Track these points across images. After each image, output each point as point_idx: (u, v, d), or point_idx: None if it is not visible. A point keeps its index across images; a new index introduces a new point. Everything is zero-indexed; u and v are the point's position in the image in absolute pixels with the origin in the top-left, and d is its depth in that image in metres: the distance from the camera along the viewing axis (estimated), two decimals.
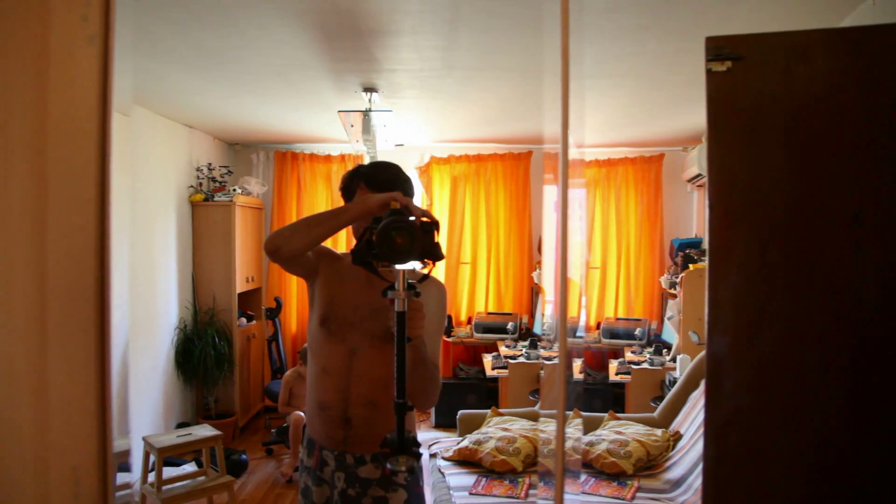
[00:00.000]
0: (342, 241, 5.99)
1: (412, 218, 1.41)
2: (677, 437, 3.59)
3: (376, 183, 1.78)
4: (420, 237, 1.38)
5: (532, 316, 5.98)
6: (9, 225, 0.78)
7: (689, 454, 3.27)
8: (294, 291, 6.28)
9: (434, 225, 1.44)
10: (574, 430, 3.68)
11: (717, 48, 1.11)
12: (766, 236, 1.05)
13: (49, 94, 0.76)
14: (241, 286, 5.59)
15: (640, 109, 4.50)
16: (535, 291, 6.04)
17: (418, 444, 1.45)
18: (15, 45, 0.76)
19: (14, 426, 0.80)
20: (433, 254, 1.42)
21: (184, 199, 5.31)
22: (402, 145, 5.86)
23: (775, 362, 1.07)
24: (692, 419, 3.57)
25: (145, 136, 4.65)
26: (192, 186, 5.43)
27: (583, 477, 3.41)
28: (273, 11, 2.67)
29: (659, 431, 3.65)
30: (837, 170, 1.05)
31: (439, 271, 5.97)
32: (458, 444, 3.71)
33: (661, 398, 4.47)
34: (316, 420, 1.82)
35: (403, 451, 1.39)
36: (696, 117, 4.64)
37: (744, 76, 1.10)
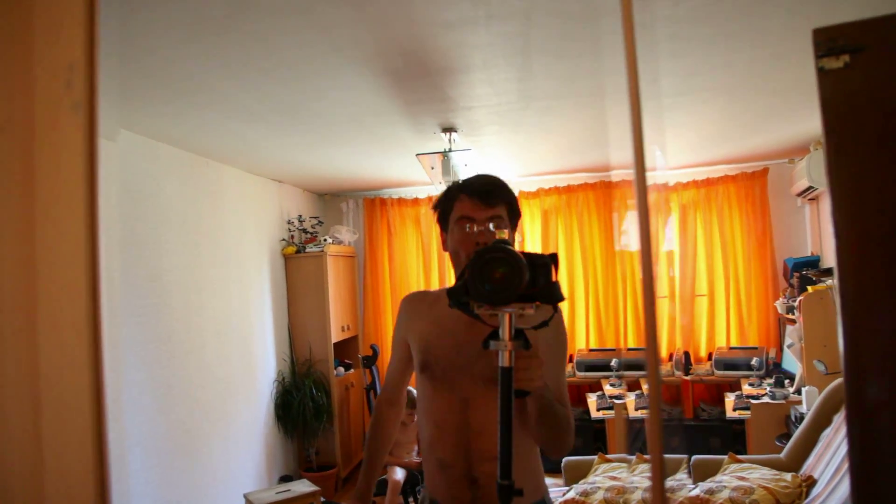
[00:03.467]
0: (433, 271, 5.91)
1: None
2: (810, 482, 3.20)
3: (476, 190, 1.57)
4: (525, 271, 1.13)
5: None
6: (1, 319, 0.71)
7: (829, 503, 2.89)
8: (390, 338, 6.23)
9: (550, 258, 1.20)
10: (641, 477, 3.34)
11: (830, 41, 0.91)
12: None
13: (35, 170, 0.68)
14: (336, 335, 5.60)
15: (737, 123, 4.19)
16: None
17: None
18: (1, 120, 0.69)
19: None
20: (549, 294, 1.18)
21: (276, 252, 5.40)
22: None
23: None
24: (827, 461, 3.18)
25: (235, 193, 4.78)
26: (283, 239, 5.53)
27: None
28: (339, 60, 2.64)
29: (788, 476, 3.27)
30: None
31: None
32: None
33: (786, 436, 4.05)
34: (438, 479, 1.61)
35: None
36: (800, 125, 4.27)
37: (867, 71, 0.89)
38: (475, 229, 1.54)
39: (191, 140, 3.87)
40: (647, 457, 3.77)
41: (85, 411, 0.68)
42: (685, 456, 3.80)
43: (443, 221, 1.66)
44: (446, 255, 5.29)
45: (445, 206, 1.64)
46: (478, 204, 1.55)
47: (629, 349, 5.66)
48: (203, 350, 4.19)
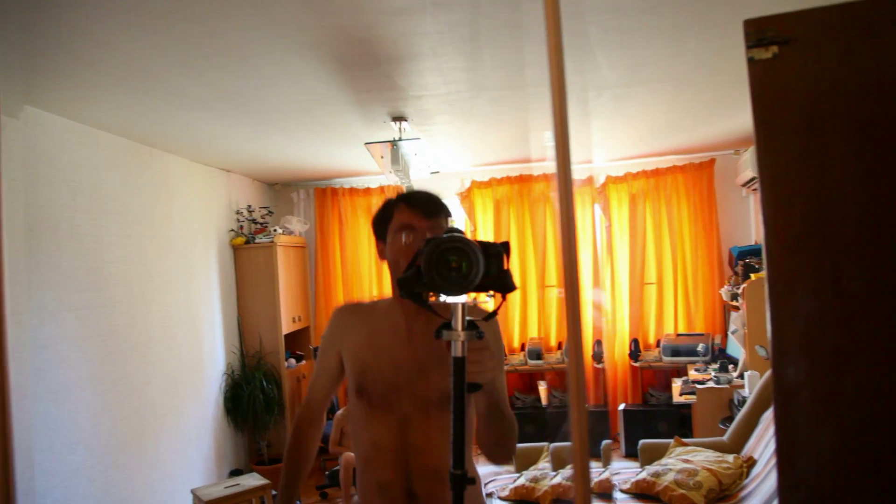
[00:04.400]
0: (373, 273, 5.89)
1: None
2: (751, 462, 3.30)
3: (416, 201, 1.53)
4: (479, 261, 1.11)
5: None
6: None
7: (766, 482, 2.98)
8: None
9: (503, 247, 1.17)
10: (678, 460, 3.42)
11: (759, 31, 0.93)
12: (838, 258, 0.84)
13: None
14: (287, 327, 5.53)
15: (685, 115, 4.27)
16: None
17: None
18: None
19: None
20: (502, 283, 1.16)
21: (225, 243, 5.30)
22: (437, 172, 5.73)
23: (865, 424, 0.86)
24: (766, 442, 3.28)
25: (181, 183, 4.66)
26: (232, 230, 5.42)
27: None
28: (286, 48, 2.58)
29: (730, 457, 3.37)
30: None
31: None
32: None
33: (730, 419, 4.17)
34: (375, 499, 1.54)
35: None
36: (745, 117, 4.37)
37: (794, 62, 0.91)
38: (414, 239, 1.50)
39: (134, 128, 3.75)
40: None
41: None
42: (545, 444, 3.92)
43: (380, 231, 1.60)
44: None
45: (384, 215, 1.59)
46: (419, 214, 1.52)
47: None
48: (148, 344, 4.08)
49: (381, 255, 1.62)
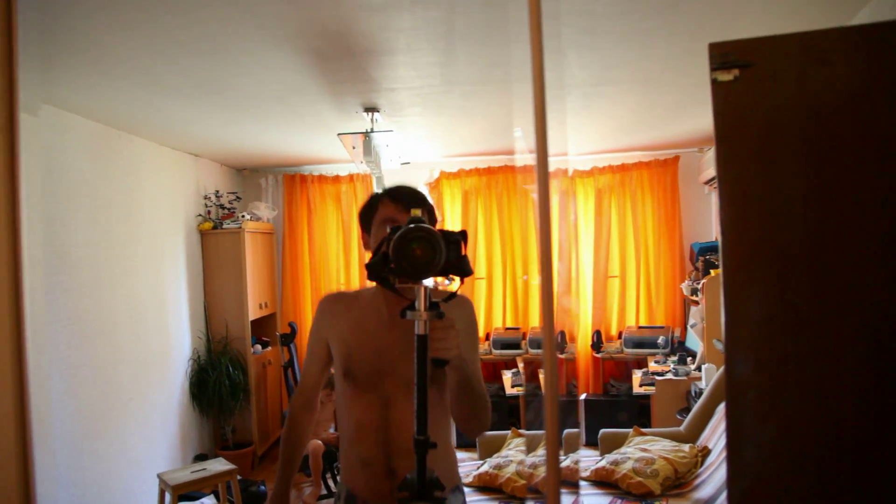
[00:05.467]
0: (353, 261, 5.92)
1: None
2: (705, 452, 3.44)
3: (399, 196, 1.64)
4: (443, 248, 1.21)
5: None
6: None
7: (719, 472, 3.12)
8: (309, 316, 6.20)
9: (461, 235, 1.27)
10: (636, 448, 3.54)
11: (723, 55, 1.00)
12: (786, 263, 0.93)
13: None
14: (254, 313, 5.53)
15: (652, 113, 4.38)
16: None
17: (442, 488, 1.26)
18: None
19: None
20: (460, 268, 1.26)
21: (192, 228, 5.26)
22: (408, 163, 5.77)
23: (804, 420, 0.95)
24: (720, 433, 3.42)
25: (149, 167, 4.61)
26: (200, 215, 5.39)
27: (608, 499, 3.28)
28: (262, 37, 2.60)
29: (686, 447, 3.51)
30: (866, 184, 0.93)
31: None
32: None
33: (687, 410, 4.32)
34: (358, 475, 1.65)
35: (422, 497, 1.22)
36: (709, 118, 4.48)
37: (754, 85, 0.98)
38: None
39: (102, 111, 3.71)
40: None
41: (7, 404, 0.69)
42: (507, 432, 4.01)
43: (365, 224, 1.71)
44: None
45: (369, 209, 1.70)
46: (400, 207, 1.62)
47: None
48: (115, 329, 4.06)
49: (366, 245, 1.72)
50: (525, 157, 5.57)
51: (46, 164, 3.46)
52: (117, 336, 4.09)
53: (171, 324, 4.83)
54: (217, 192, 5.62)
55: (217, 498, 4.26)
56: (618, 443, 3.82)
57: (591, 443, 4.92)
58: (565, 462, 3.56)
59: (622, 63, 3.13)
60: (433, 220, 1.69)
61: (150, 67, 2.93)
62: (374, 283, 1.73)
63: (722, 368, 3.88)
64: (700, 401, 3.86)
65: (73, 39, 2.55)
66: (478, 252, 6.01)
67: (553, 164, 0.93)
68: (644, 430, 3.88)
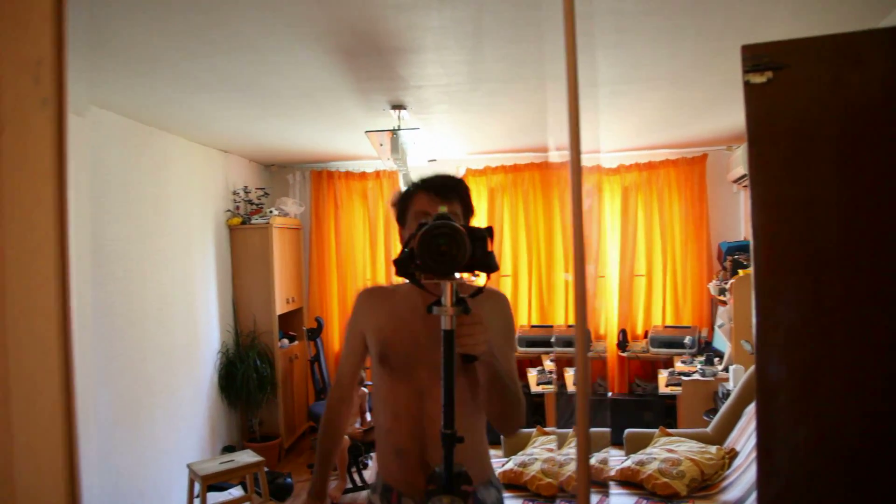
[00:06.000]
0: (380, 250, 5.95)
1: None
2: (733, 454, 3.41)
3: (434, 187, 1.62)
4: (468, 245, 1.22)
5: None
6: None
7: (747, 474, 3.09)
8: (335, 311, 6.25)
9: (487, 231, 1.28)
10: (662, 449, 3.52)
11: (756, 57, 0.99)
12: (819, 267, 0.92)
13: (3, 164, 0.70)
14: (281, 308, 5.59)
15: (680, 111, 4.34)
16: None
17: (469, 482, 1.28)
18: None
19: None
20: (485, 264, 1.27)
21: (221, 223, 5.34)
22: (434, 160, 5.79)
23: (837, 424, 0.94)
24: (748, 435, 3.39)
25: (180, 163, 4.69)
26: (229, 210, 5.46)
27: (634, 499, 3.27)
28: (291, 36, 2.63)
29: (713, 448, 3.48)
30: None
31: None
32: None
33: (714, 411, 4.28)
34: (393, 466, 1.67)
35: (449, 490, 1.24)
36: (738, 115, 4.41)
37: (787, 87, 0.97)
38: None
39: (135, 108, 3.78)
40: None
41: (55, 391, 0.71)
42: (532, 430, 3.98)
43: (401, 218, 1.69)
44: (394, 230, 5.33)
45: (403, 202, 1.68)
46: (434, 199, 1.59)
47: (569, 326, 5.80)
48: (145, 321, 4.14)
49: (402, 239, 1.70)
50: (558, 154, 5.54)
51: (80, 159, 3.53)
52: (148, 329, 4.17)
53: (200, 317, 4.91)
54: (246, 187, 5.69)
55: (244, 489, 4.33)
56: (643, 443, 3.80)
57: (617, 442, 4.89)
58: (592, 461, 3.55)
59: (650, 61, 3.11)
60: (469, 211, 1.67)
61: (182, 66, 2.98)
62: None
63: (751, 369, 3.84)
64: (728, 402, 3.82)
65: (112, 41, 2.60)
66: (503, 249, 6.01)
67: (587, 161, 0.93)
68: (670, 430, 3.86)
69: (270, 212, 5.55)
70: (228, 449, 5.05)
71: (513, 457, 3.69)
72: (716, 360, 4.93)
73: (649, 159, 5.81)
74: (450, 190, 1.63)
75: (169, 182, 4.52)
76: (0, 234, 0.74)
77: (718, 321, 4.98)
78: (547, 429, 3.96)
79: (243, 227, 5.46)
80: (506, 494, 3.36)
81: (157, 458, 4.18)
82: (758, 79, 0.98)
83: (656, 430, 3.88)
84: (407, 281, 1.75)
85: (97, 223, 3.66)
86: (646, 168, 5.82)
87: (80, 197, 2.99)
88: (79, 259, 2.99)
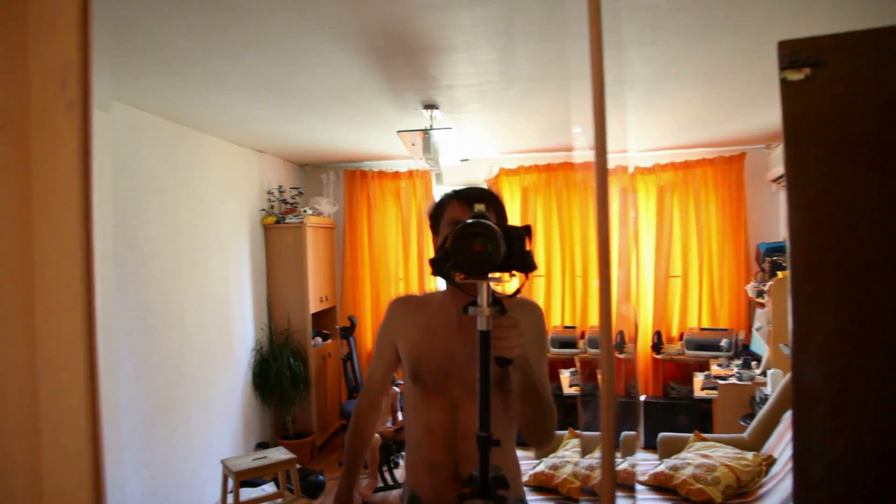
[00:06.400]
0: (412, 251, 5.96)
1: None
2: (770, 461, 3.32)
3: (467, 196, 1.61)
4: (500, 245, 1.18)
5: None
6: (1, 307, 0.74)
7: (785, 482, 3.01)
8: (368, 310, 6.28)
9: (524, 230, 1.25)
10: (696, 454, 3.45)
11: (793, 53, 0.96)
12: (859, 273, 0.88)
13: (32, 167, 0.71)
14: (314, 306, 5.64)
15: (716, 108, 4.25)
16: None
17: (506, 486, 1.24)
18: None
19: None
20: (523, 264, 1.24)
21: (256, 222, 5.40)
22: (467, 160, 5.77)
23: (877, 437, 0.90)
24: (787, 442, 3.30)
25: (216, 163, 4.76)
26: (263, 210, 5.53)
27: None
28: (323, 36, 2.64)
29: (750, 455, 3.40)
30: None
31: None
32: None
33: (751, 416, 4.18)
34: (424, 479, 1.65)
35: (484, 494, 1.21)
36: (777, 114, 4.32)
37: (826, 84, 0.94)
38: None
39: (172, 109, 3.85)
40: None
41: (80, 390, 0.72)
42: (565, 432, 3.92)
43: (435, 226, 1.69)
44: (427, 229, 5.32)
45: (438, 211, 1.68)
46: (468, 207, 1.57)
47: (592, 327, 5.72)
48: (182, 319, 4.21)
49: (437, 248, 1.69)
50: (584, 154, 5.49)
51: (121, 161, 3.61)
52: (185, 326, 4.23)
53: (235, 315, 4.98)
54: (280, 187, 5.75)
55: (277, 485, 4.38)
56: (677, 447, 3.73)
57: (650, 446, 4.82)
58: (622, 465, 3.50)
59: (685, 58, 3.05)
60: (502, 219, 1.65)
61: (216, 67, 3.02)
62: (440, 285, 1.74)
63: (790, 374, 3.74)
64: (765, 407, 3.73)
65: (145, 42, 2.64)
66: (536, 250, 5.96)
67: (613, 161, 0.91)
68: (705, 435, 3.78)
69: (304, 211, 5.60)
70: (262, 445, 5.11)
71: (544, 459, 3.65)
72: (753, 363, 4.82)
73: (685, 158, 5.71)
74: (483, 200, 1.61)
75: (205, 182, 4.59)
76: (30, 235, 0.75)
77: (756, 324, 4.87)
78: (578, 431, 3.92)
79: (278, 227, 5.52)
80: (537, 497, 3.34)
81: (192, 453, 4.24)
82: (795, 76, 0.94)
83: (691, 435, 3.80)
84: (440, 289, 1.76)
85: (135, 223, 3.73)
86: (682, 167, 5.72)
87: (104, 193, 3.06)
88: (103, 258, 3.06)
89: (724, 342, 5.23)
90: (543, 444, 1.66)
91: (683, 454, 3.58)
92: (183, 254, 4.25)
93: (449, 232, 1.24)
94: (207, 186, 4.62)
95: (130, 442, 3.61)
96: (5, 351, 0.77)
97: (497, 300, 1.24)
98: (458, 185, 1.71)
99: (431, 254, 1.36)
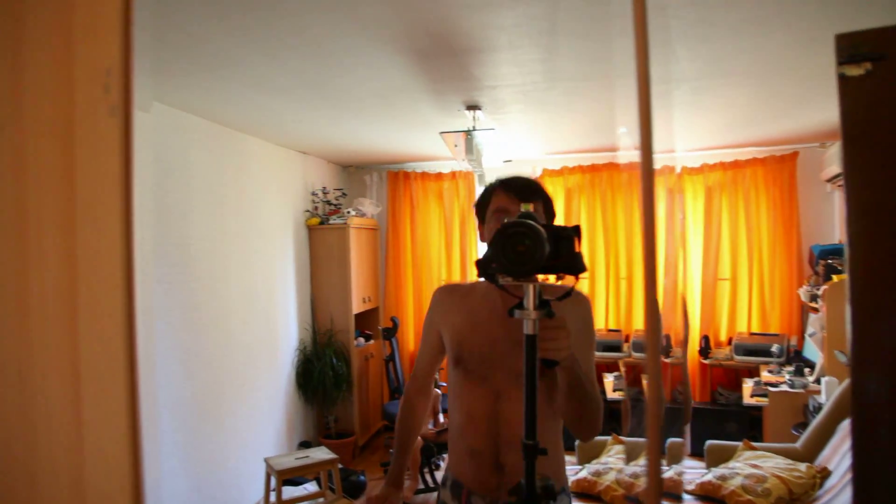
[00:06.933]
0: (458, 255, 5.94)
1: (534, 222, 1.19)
2: (825, 473, 3.20)
3: (513, 186, 1.62)
4: (544, 245, 1.15)
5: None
6: (45, 309, 0.75)
7: (842, 497, 2.89)
8: (410, 311, 6.29)
9: (573, 230, 1.23)
10: (745, 464, 3.35)
11: (852, 47, 0.90)
12: None
13: (75, 172, 0.72)
14: (357, 307, 5.67)
15: (767, 106, 4.11)
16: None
17: (554, 496, 1.23)
18: (43, 123, 0.73)
19: None
20: (571, 265, 1.22)
21: (300, 223, 5.46)
22: (510, 161, 5.73)
23: None
24: (843, 454, 3.17)
25: (261, 164, 4.82)
26: (307, 211, 5.58)
27: None
28: (366, 38, 2.64)
29: (803, 466, 3.27)
30: None
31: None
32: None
33: (804, 425, 4.04)
34: (466, 465, 1.67)
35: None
36: (832, 110, 4.15)
37: (888, 80, 0.88)
38: None
39: (218, 112, 3.91)
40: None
41: (121, 394, 0.72)
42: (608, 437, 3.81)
43: (481, 214, 1.70)
44: (469, 231, 5.31)
45: (484, 199, 1.69)
46: (513, 198, 1.60)
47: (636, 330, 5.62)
48: (228, 318, 4.27)
49: (482, 237, 1.71)
50: (630, 154, 5.39)
51: (168, 162, 3.68)
52: (230, 325, 4.30)
53: (279, 315, 5.04)
54: (324, 188, 5.80)
55: (319, 484, 4.41)
56: (725, 456, 3.62)
57: (697, 453, 4.70)
58: (668, 473, 3.42)
59: (735, 54, 2.96)
60: (550, 213, 1.66)
61: (261, 69, 3.05)
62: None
63: (846, 382, 3.60)
64: (819, 416, 3.60)
65: (191, 45, 2.69)
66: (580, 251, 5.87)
67: (659, 161, 0.87)
68: (755, 444, 3.67)
69: (348, 212, 5.63)
70: (304, 444, 5.16)
71: (587, 465, 3.59)
72: (806, 370, 4.66)
73: (734, 158, 5.55)
74: (530, 190, 1.62)
75: (250, 183, 4.66)
76: (73, 239, 0.76)
77: (810, 329, 4.71)
78: (623, 437, 3.84)
79: (321, 227, 5.57)
80: None
81: (236, 451, 4.31)
82: (854, 71, 0.89)
83: (740, 443, 3.69)
84: (481, 280, 1.75)
85: (182, 223, 3.80)
86: (731, 167, 5.56)
87: (143, 197, 3.13)
88: (144, 260, 3.13)
89: (774, 347, 5.07)
90: (589, 438, 1.64)
91: (732, 463, 3.48)
92: (228, 254, 4.32)
93: (494, 231, 1.22)
94: (253, 188, 4.69)
95: (177, 439, 3.68)
96: (49, 355, 0.78)
97: (544, 302, 1.22)
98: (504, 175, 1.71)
99: (474, 255, 1.35)
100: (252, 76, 3.16)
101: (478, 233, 1.74)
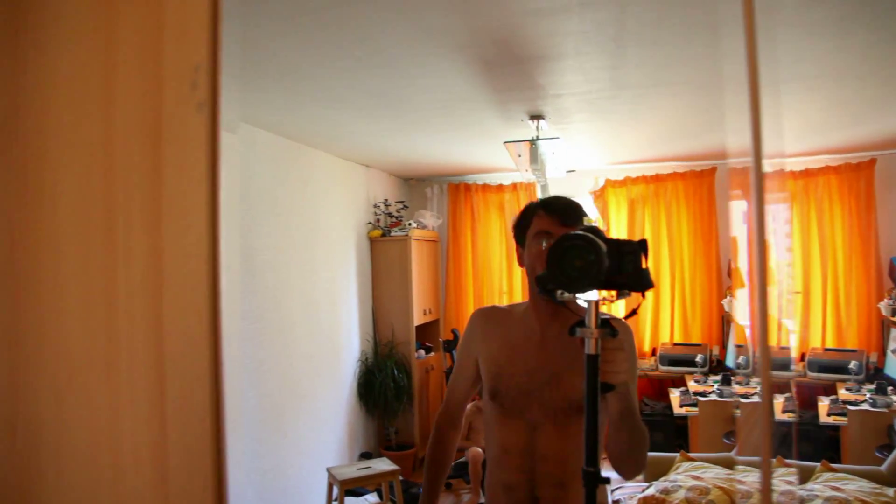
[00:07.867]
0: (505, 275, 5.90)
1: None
2: None
3: (555, 208, 1.56)
4: (604, 259, 1.11)
5: (723, 347, 5.44)
6: (132, 305, 0.77)
7: None
8: None
9: (639, 245, 1.17)
10: (780, 481, 3.23)
11: None
12: None
13: (163, 166, 0.73)
14: (418, 319, 5.69)
15: (844, 110, 3.95)
16: (725, 320, 5.50)
17: None
18: (132, 120, 0.75)
19: None
20: (638, 281, 1.16)
21: (362, 235, 5.53)
22: (573, 171, 5.67)
23: None
24: None
25: (325, 177, 4.91)
26: (370, 223, 5.65)
27: None
28: (431, 49, 2.66)
29: (891, 491, 3.09)
30: None
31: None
32: (643, 491, 3.39)
33: (889, 447, 3.82)
34: (501, 499, 1.62)
35: None
36: None
37: None
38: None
39: (284, 125, 4.00)
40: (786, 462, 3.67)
41: (205, 391, 0.73)
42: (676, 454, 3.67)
43: (520, 237, 1.64)
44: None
45: (523, 221, 1.63)
46: (556, 220, 1.53)
47: (738, 345, 5.44)
48: (292, 329, 4.35)
49: (521, 260, 1.65)
50: (740, 160, 5.24)
51: (236, 175, 3.79)
52: (294, 335, 4.37)
53: (342, 326, 5.10)
54: (386, 200, 5.87)
55: (380, 496, 4.41)
56: (803, 477, 3.46)
57: None
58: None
59: (812, 56, 2.85)
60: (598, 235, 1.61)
61: (327, 83, 3.11)
62: (527, 297, 1.69)
63: None
64: None
65: (264, 61, 2.76)
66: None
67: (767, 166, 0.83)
68: (834, 465, 3.49)
69: (409, 224, 5.67)
70: (365, 455, 5.19)
71: (654, 482, 3.49)
72: (889, 389, 4.42)
73: (805, 166, 5.35)
74: (572, 212, 1.56)
75: (314, 196, 4.74)
76: (160, 236, 0.77)
77: (892, 345, 4.47)
78: (692, 455, 3.72)
79: (383, 239, 5.63)
80: None
81: (298, 460, 4.36)
82: None
83: (817, 465, 3.52)
84: (523, 301, 1.71)
85: (249, 235, 3.90)
86: (801, 176, 5.36)
87: (230, 210, 3.22)
88: (228, 265, 3.20)
89: (853, 364, 4.83)
90: (632, 475, 1.56)
91: (810, 485, 3.32)
92: (293, 265, 4.40)
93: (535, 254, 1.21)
94: (317, 200, 4.77)
95: (244, 445, 3.74)
96: (135, 350, 0.79)
97: (605, 321, 1.18)
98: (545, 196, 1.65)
99: (523, 294, 1.32)
100: (317, 89, 3.22)
101: (517, 255, 1.67)
